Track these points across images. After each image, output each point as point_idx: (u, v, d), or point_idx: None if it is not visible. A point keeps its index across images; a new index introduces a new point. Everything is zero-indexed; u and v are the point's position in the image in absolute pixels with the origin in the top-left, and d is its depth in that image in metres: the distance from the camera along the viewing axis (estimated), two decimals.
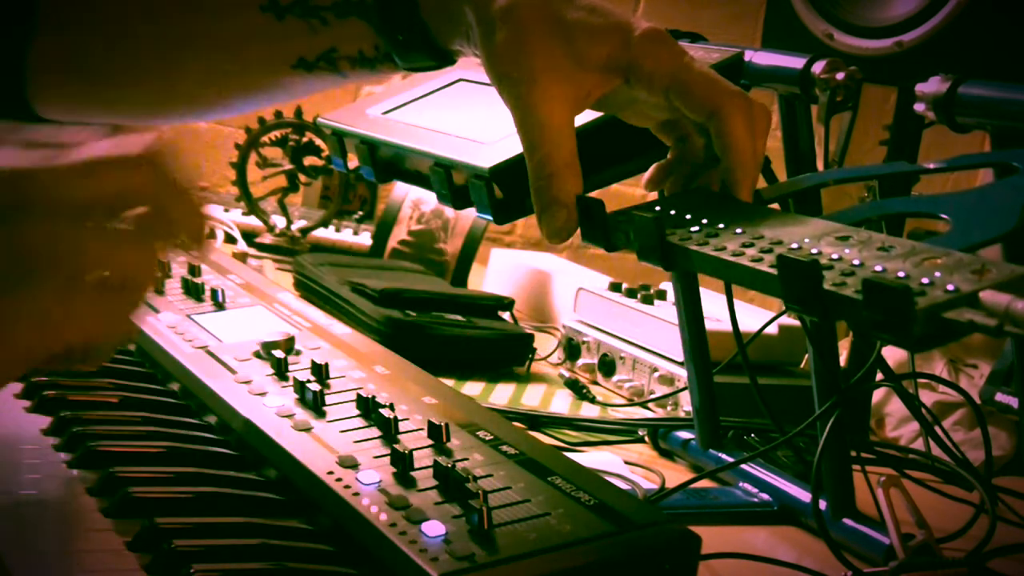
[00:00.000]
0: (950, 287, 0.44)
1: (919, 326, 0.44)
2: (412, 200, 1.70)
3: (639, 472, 0.97)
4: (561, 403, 1.18)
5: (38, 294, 0.47)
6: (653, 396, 1.17)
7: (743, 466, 0.94)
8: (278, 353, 0.78)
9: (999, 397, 1.06)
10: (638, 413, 1.16)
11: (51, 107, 0.77)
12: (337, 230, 1.82)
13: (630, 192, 2.05)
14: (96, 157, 0.50)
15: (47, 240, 0.47)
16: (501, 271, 1.70)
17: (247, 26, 0.72)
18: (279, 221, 1.74)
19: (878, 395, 1.24)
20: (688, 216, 0.63)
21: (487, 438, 0.67)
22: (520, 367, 1.29)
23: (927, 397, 1.18)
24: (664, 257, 0.60)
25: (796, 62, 0.83)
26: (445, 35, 0.70)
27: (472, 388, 1.19)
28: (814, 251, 0.54)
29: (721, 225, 0.60)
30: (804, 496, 0.88)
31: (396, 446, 0.63)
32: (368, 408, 0.70)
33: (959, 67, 0.81)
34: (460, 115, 0.84)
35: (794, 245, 0.56)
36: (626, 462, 0.98)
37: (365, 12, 0.70)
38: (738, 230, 0.59)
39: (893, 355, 1.23)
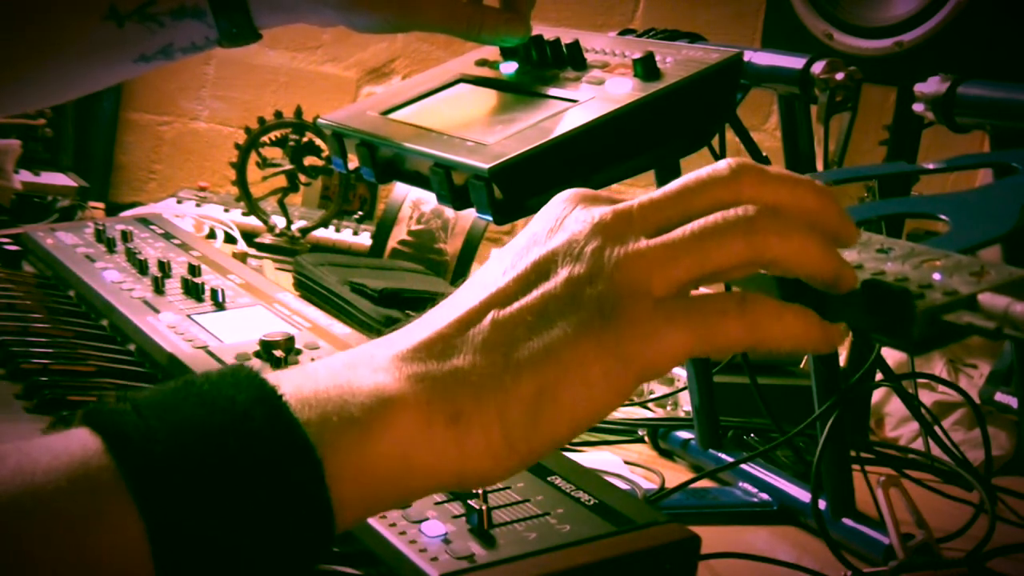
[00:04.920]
0: (949, 290, 0.44)
1: (919, 328, 0.44)
2: (412, 200, 1.70)
3: (639, 472, 0.97)
4: None
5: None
6: (653, 396, 1.17)
7: (743, 466, 0.94)
8: (278, 353, 0.78)
9: (998, 397, 1.06)
10: (638, 413, 1.16)
11: None
12: (337, 230, 1.82)
13: (630, 192, 2.04)
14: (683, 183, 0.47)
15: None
16: None
17: (90, 34, 0.81)
18: (279, 221, 1.74)
19: (878, 395, 1.24)
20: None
21: None
22: None
23: (927, 397, 1.18)
24: None
25: (796, 62, 0.83)
26: (265, 20, 0.83)
27: None
28: None
29: None
30: (804, 496, 0.88)
31: None
32: None
33: (959, 67, 0.81)
34: (460, 115, 0.84)
35: None
36: (626, 462, 0.99)
37: (199, 15, 0.81)
38: None
39: (893, 355, 1.23)
